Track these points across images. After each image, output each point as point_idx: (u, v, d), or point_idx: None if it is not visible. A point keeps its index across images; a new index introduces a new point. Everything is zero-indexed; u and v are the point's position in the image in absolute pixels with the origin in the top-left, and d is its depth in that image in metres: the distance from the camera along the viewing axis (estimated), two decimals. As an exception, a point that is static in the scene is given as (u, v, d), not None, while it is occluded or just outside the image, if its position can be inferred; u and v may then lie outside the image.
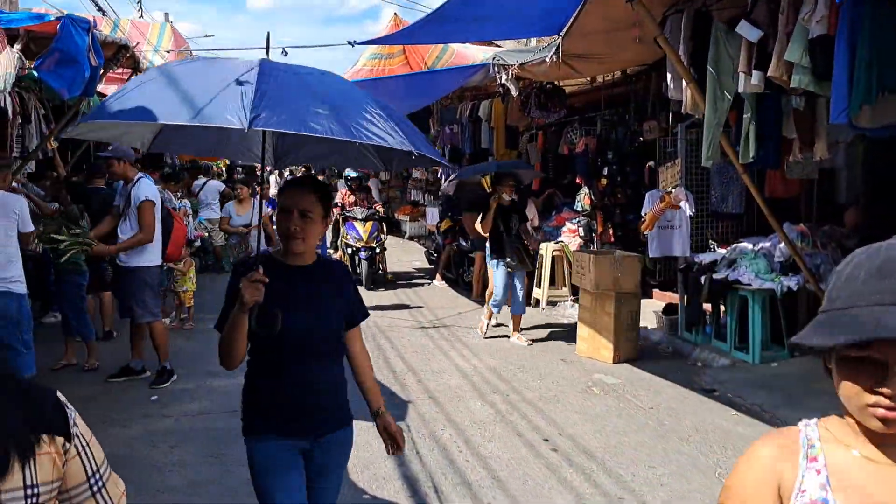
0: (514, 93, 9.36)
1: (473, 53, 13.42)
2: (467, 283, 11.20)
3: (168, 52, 11.89)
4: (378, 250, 11.49)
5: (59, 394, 1.37)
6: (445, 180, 13.85)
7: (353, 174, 11.78)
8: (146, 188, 6.52)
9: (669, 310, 8.33)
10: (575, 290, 10.03)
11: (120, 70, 11.67)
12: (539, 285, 10.04)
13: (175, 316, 9.05)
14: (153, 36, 12.64)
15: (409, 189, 18.39)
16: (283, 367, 2.62)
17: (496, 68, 9.22)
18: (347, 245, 11.42)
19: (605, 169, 9.52)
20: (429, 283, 11.97)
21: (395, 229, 17.62)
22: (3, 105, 7.33)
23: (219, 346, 2.62)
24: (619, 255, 7.45)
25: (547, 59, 8.05)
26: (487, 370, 7.04)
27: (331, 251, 12.20)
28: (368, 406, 2.89)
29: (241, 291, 2.45)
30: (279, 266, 2.64)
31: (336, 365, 2.73)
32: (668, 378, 6.80)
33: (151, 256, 6.54)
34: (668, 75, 6.70)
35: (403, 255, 15.31)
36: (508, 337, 8.22)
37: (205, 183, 13.82)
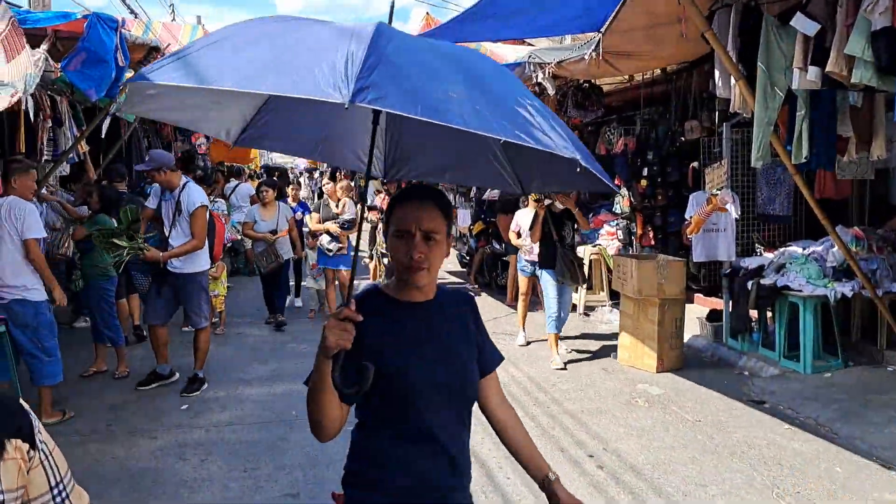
0: (550, 91, 9.09)
1: (505, 53, 13.15)
2: (500, 287, 10.96)
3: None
4: None
5: (21, 400, 1.34)
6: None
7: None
8: (198, 194, 6.44)
9: (713, 316, 8.02)
10: (613, 295, 9.76)
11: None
12: (576, 290, 9.75)
13: (206, 320, 8.94)
14: (185, 37, 12.53)
15: (444, 190, 18.17)
16: (401, 434, 1.97)
17: (532, 66, 8.96)
18: (383, 254, 10.63)
19: (645, 170, 9.21)
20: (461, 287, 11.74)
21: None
22: (25, 107, 7.25)
23: (307, 406, 1.94)
24: (663, 260, 7.16)
25: (586, 57, 7.77)
26: (526, 379, 6.80)
27: (366, 261, 11.54)
28: (533, 476, 2.18)
29: (324, 333, 1.79)
30: (390, 303, 2.03)
31: (468, 429, 2.09)
32: (714, 388, 6.51)
33: (203, 261, 6.49)
34: (717, 73, 6.40)
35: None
36: (546, 341, 7.95)
37: (236, 186, 13.74)
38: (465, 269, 12.77)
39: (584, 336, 8.58)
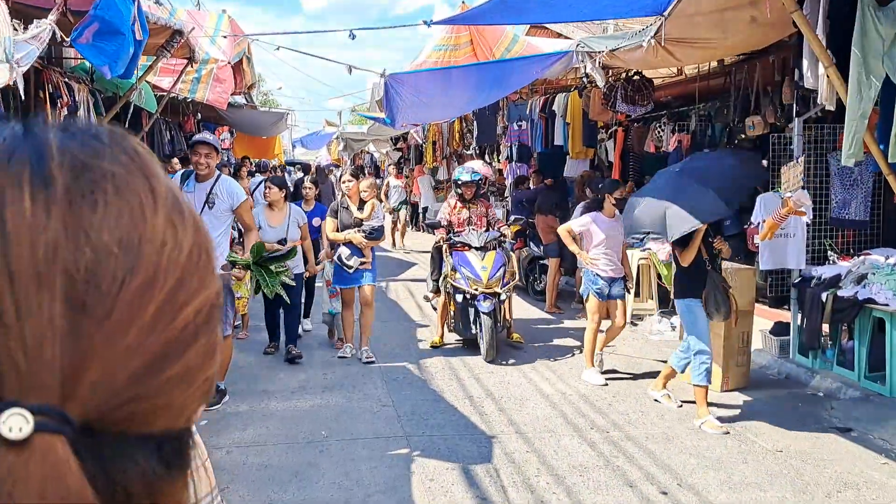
0: (599, 83, 8.45)
1: (544, 47, 12.54)
2: (538, 293, 10.31)
3: (224, 36, 11.23)
4: (504, 297, 7.43)
5: None
6: (511, 180, 13.01)
7: (468, 176, 7.76)
8: (237, 185, 5.95)
9: (778, 329, 7.33)
10: (663, 303, 9.09)
11: (174, 61, 11.14)
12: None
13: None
14: (210, 26, 12.03)
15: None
16: None
17: (580, 56, 8.33)
18: (456, 289, 7.42)
19: (700, 169, 8.54)
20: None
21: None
22: (12, 83, 6.71)
23: None
24: (731, 269, 6.49)
25: (644, 44, 7.12)
26: (578, 398, 6.16)
27: (430, 295, 8.64)
28: None
29: None
30: None
31: None
32: (789, 412, 5.84)
33: (221, 259, 5.83)
34: (804, 61, 5.72)
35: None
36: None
37: (260, 182, 13.19)
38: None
39: (633, 348, 7.92)
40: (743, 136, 8.26)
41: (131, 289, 0.40)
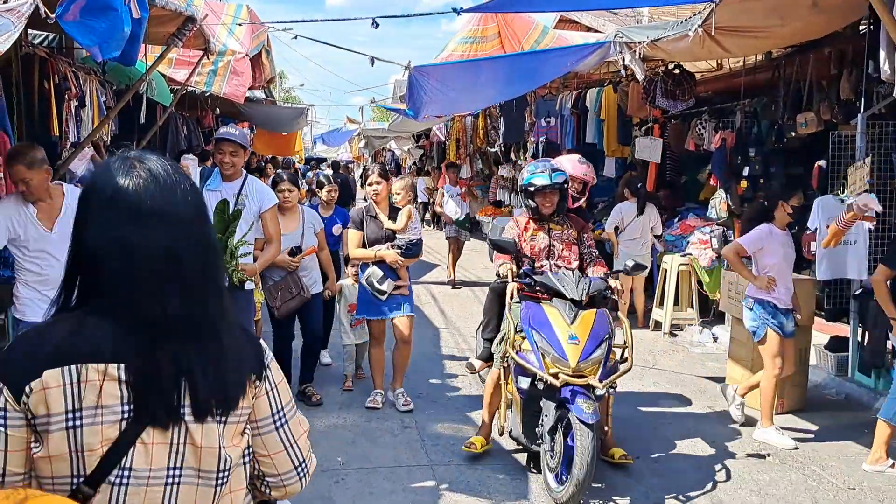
0: (639, 76, 7.86)
1: (573, 37, 11.98)
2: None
3: (240, 24, 10.77)
4: (603, 392, 4.29)
5: (260, 339, 1.58)
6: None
7: (545, 178, 4.75)
8: (267, 187, 5.22)
9: (835, 345, 6.73)
10: (703, 312, 8.52)
11: (190, 53, 10.69)
12: (661, 305, 8.52)
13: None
14: (228, 15, 11.57)
15: (497, 188, 17.01)
16: None
17: (618, 47, 7.74)
18: (522, 369, 4.41)
19: (746, 169, 7.93)
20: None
21: (477, 231, 16.16)
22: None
23: None
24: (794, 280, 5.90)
25: (690, 34, 6.54)
26: (619, 421, 5.60)
27: (474, 363, 5.70)
28: None
29: None
30: None
31: None
32: (855, 440, 5.25)
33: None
34: (882, 52, 5.13)
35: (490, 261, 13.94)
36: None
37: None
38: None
39: (674, 361, 7.35)
40: (793, 133, 7.65)
41: None
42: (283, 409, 1.52)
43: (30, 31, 8.19)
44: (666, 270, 8.48)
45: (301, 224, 5.93)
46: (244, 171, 4.99)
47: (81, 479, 1.28)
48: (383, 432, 5.21)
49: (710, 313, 8.56)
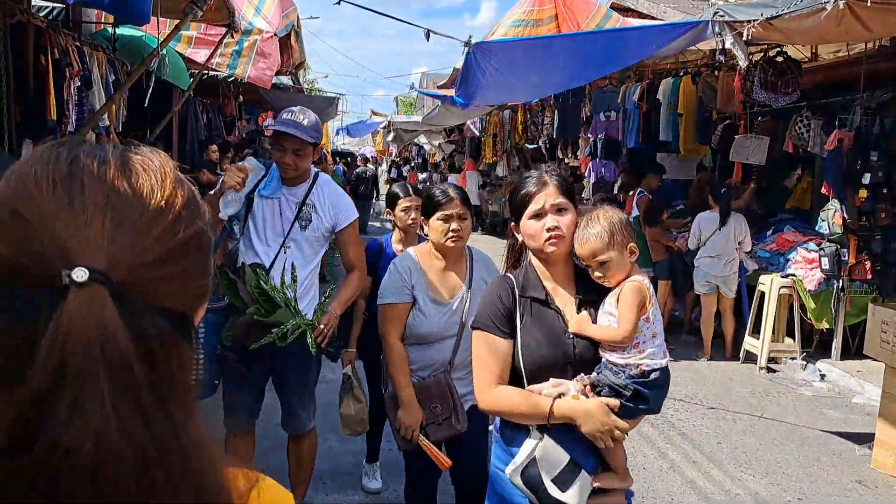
0: (741, 63, 6.57)
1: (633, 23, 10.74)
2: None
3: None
4: None
5: None
6: (591, 176, 11.18)
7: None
8: (345, 197, 3.60)
9: None
10: (806, 343, 7.23)
11: (212, 30, 9.55)
12: (756, 333, 7.24)
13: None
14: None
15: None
16: None
17: (718, 27, 6.46)
18: None
19: (867, 176, 6.64)
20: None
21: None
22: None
23: None
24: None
25: (829, 6, 5.26)
26: (749, 497, 4.35)
27: None
28: None
29: None
30: None
31: None
32: None
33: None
34: None
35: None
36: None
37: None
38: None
39: (784, 408, 6.08)
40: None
41: (147, 215, 0.70)
42: None
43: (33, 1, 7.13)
44: (763, 293, 7.19)
45: (468, 275, 3.14)
46: (313, 169, 3.52)
47: None
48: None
49: (813, 344, 7.28)
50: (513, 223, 2.30)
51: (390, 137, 25.10)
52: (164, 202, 0.72)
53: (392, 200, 3.95)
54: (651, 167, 8.41)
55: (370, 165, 25.95)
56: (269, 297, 3.10)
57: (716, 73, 8.39)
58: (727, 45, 6.49)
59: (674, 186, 9.80)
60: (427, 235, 3.16)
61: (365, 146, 34.98)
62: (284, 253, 3.33)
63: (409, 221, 3.85)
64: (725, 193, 7.44)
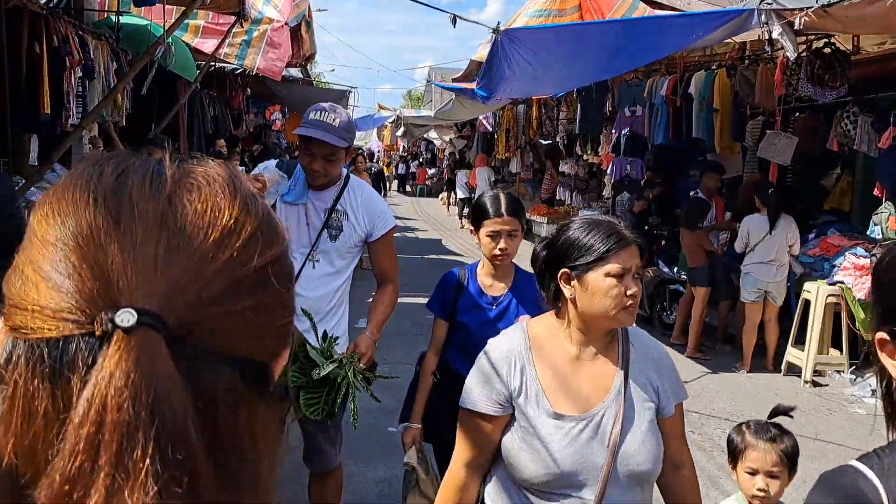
0: (790, 53, 6.12)
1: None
2: (666, 326, 8.04)
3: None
4: None
5: None
6: (614, 174, 10.72)
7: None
8: (381, 202, 3.18)
9: None
10: (853, 355, 6.77)
11: (221, 20, 9.11)
12: (799, 344, 6.78)
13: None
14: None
15: (554, 185, 15.28)
16: None
17: (765, 16, 6.00)
18: None
19: (924, 177, 6.21)
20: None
21: (528, 233, 14.46)
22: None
23: None
24: None
25: (898, -8, 4.80)
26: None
27: None
28: None
29: None
30: None
31: None
32: None
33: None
34: None
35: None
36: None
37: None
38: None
39: (837, 428, 5.62)
40: None
41: (211, 238, 0.56)
42: None
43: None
44: (809, 301, 6.73)
45: (621, 364, 1.88)
46: (344, 171, 3.06)
47: None
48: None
49: (861, 357, 6.82)
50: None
51: (400, 132, 24.67)
52: (232, 222, 0.58)
53: (479, 216, 2.79)
54: (710, 167, 7.95)
55: (378, 163, 25.57)
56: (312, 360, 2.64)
57: (753, 66, 7.91)
58: (774, 36, 6.03)
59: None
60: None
61: (370, 141, 34.53)
62: (313, 267, 2.89)
63: (497, 252, 2.73)
64: (774, 194, 6.95)
